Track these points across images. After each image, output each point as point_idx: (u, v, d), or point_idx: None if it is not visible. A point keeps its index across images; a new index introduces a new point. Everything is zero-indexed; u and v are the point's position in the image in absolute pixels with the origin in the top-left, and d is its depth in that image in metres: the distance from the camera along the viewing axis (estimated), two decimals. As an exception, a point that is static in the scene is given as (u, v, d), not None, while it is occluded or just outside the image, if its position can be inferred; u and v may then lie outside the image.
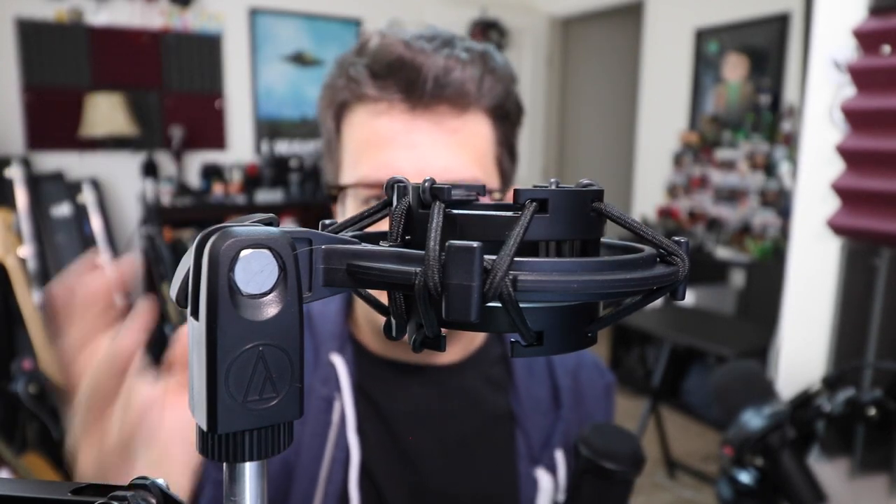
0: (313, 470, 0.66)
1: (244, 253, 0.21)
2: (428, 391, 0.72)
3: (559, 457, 0.72)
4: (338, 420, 0.67)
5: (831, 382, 0.85)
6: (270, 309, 0.22)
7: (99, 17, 3.69)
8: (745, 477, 0.84)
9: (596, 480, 0.59)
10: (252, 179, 4.08)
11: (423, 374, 0.72)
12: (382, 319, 0.27)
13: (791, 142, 3.49)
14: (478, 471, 0.71)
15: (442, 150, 0.62)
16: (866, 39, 1.13)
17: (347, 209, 0.65)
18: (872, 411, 0.81)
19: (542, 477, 0.71)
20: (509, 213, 0.23)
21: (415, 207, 0.25)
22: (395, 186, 0.26)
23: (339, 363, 0.69)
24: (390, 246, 0.25)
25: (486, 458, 0.72)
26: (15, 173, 3.15)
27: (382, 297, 0.27)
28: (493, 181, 0.66)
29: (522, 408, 0.73)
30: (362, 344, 0.73)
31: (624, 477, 0.58)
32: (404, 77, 0.61)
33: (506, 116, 0.68)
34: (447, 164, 0.62)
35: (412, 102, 0.62)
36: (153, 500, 0.26)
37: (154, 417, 0.45)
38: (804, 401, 0.85)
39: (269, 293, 0.22)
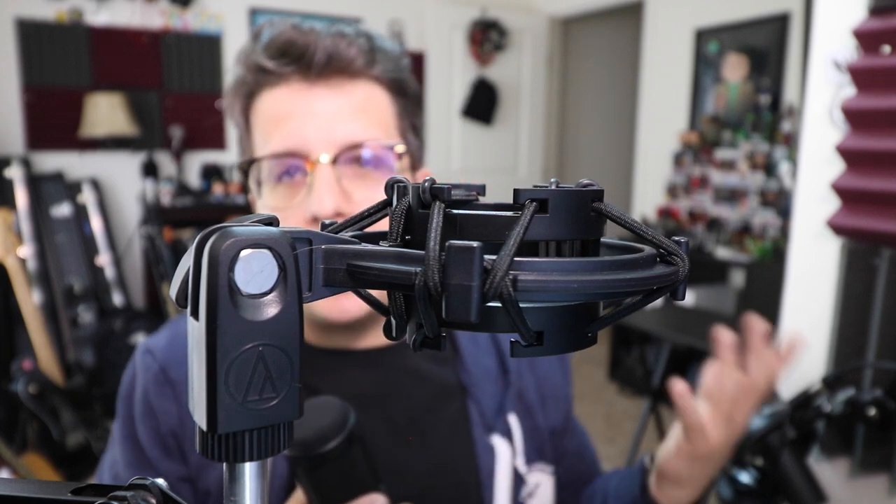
0: None
1: (244, 253, 0.21)
2: (370, 374, 0.73)
3: (513, 421, 0.75)
4: None
5: (831, 382, 0.85)
6: (270, 309, 0.22)
7: (99, 17, 3.69)
8: (745, 477, 0.84)
9: (323, 471, 0.52)
10: (252, 179, 4.07)
11: (364, 358, 0.73)
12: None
13: (791, 142, 3.49)
14: (432, 445, 0.72)
15: (343, 115, 0.67)
16: (866, 39, 1.13)
17: (264, 190, 0.69)
18: (872, 411, 0.81)
19: (499, 443, 0.73)
20: (509, 213, 0.23)
21: (414, 207, 0.25)
22: (394, 186, 0.26)
23: None
24: (390, 246, 0.25)
25: (439, 432, 0.73)
26: (15, 173, 3.15)
27: (382, 296, 0.27)
28: (400, 149, 0.70)
29: (472, 378, 0.74)
30: None
31: (342, 449, 0.52)
32: (296, 53, 0.67)
33: (404, 93, 0.72)
34: (347, 128, 0.66)
35: (305, 74, 0.67)
36: (153, 500, 0.26)
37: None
38: (804, 401, 0.85)
39: (269, 293, 0.22)
